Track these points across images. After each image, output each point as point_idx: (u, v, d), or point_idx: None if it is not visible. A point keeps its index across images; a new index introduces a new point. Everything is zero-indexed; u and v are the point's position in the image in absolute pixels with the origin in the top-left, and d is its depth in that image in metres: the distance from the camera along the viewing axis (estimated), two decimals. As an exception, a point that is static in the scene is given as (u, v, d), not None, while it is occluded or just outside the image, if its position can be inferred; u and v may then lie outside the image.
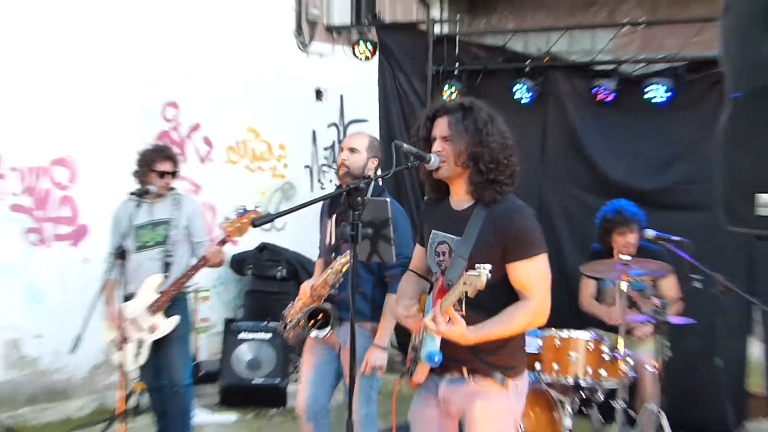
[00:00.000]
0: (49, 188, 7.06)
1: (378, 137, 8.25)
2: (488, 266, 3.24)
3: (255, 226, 3.70)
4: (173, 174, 5.98)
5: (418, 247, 4.00)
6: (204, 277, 8.30)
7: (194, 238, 5.99)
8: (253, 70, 8.87)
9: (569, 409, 5.75)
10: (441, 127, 3.65)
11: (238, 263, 8.76)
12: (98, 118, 7.20)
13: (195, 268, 5.84)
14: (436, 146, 3.63)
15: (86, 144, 7.17)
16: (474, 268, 3.26)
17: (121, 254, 5.26)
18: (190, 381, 6.09)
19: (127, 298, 5.84)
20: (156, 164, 5.90)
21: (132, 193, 5.86)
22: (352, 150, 4.97)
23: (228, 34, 8.64)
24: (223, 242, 5.76)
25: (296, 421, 7.15)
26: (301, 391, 5.16)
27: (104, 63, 7.25)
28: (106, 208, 6.19)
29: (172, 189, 6.06)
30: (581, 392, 5.81)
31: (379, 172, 5.07)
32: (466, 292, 3.30)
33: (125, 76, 7.41)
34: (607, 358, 5.63)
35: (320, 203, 5.26)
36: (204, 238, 6.06)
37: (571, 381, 5.66)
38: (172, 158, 5.99)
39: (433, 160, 3.60)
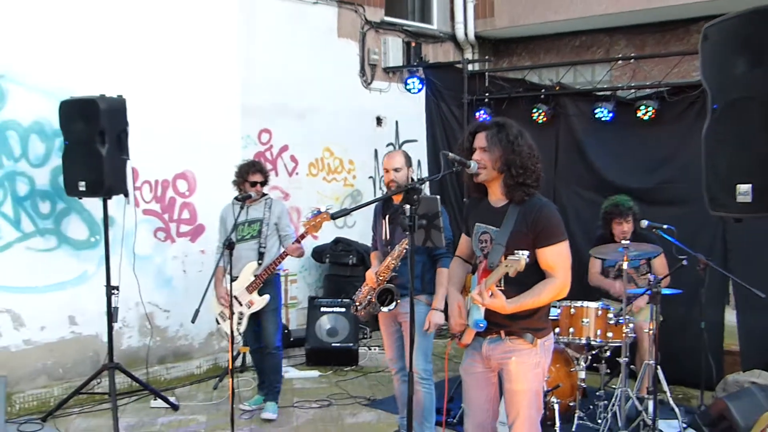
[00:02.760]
0: (174, 197, 7.12)
1: (426, 152, 8.35)
2: (526, 252, 3.31)
3: (334, 218, 3.72)
4: (262, 183, 6.02)
5: (463, 236, 3.99)
6: (292, 265, 8.36)
7: (281, 231, 6.07)
8: (328, 103, 8.89)
9: (583, 364, 5.68)
10: (480, 140, 3.66)
11: (318, 253, 8.78)
12: (210, 142, 7.24)
13: (280, 258, 5.90)
14: (476, 155, 3.65)
15: (202, 162, 7.22)
16: (513, 253, 3.32)
17: (229, 245, 5.29)
18: (281, 344, 6.13)
19: (232, 280, 5.88)
20: (249, 176, 5.98)
21: (236, 198, 5.93)
22: (396, 170, 5.04)
23: (309, 76, 8.67)
24: (302, 237, 5.81)
25: (366, 376, 7.25)
26: (387, 354, 5.33)
27: (214, 98, 7.29)
28: (217, 211, 6.24)
29: (264, 195, 6.10)
30: (592, 350, 5.75)
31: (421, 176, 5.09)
32: (508, 273, 3.35)
33: (231, 109, 7.45)
34: (612, 322, 5.55)
35: (376, 206, 5.33)
36: (289, 231, 6.12)
37: (584, 341, 5.60)
38: (261, 171, 6.03)
39: (473, 165, 3.62)
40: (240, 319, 5.94)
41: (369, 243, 5.60)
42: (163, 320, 7.05)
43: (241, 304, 5.93)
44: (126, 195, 6.02)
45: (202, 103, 7.17)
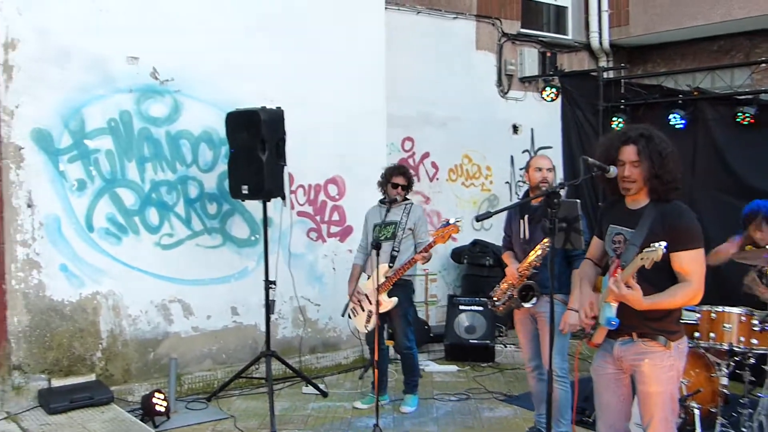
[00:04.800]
0: (325, 200, 7.20)
1: (561, 158, 8.05)
2: (664, 243, 3.12)
3: (478, 220, 3.62)
4: (404, 186, 5.90)
5: (595, 239, 3.79)
6: (432, 265, 8.26)
7: (417, 239, 5.85)
8: (467, 112, 8.81)
9: (725, 370, 5.24)
10: (629, 153, 3.44)
11: (457, 254, 8.68)
12: (358, 149, 7.26)
13: (408, 264, 5.69)
14: (627, 170, 3.44)
15: (350, 168, 7.24)
16: (649, 246, 3.14)
17: (376, 245, 5.25)
18: (411, 344, 5.96)
19: (368, 278, 5.87)
20: (392, 178, 5.90)
21: (380, 201, 5.91)
22: (549, 170, 4.93)
23: (449, 86, 8.62)
24: (430, 246, 5.62)
25: (502, 372, 7.07)
26: (524, 351, 5.15)
27: (362, 108, 7.29)
28: (364, 214, 6.22)
29: (406, 199, 5.98)
30: (735, 357, 5.29)
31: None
32: (643, 266, 3.16)
33: (376, 118, 7.43)
34: (757, 329, 5.08)
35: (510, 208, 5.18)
36: (425, 239, 5.87)
37: (725, 347, 5.15)
38: (404, 174, 5.93)
39: (612, 170, 3.44)
40: (369, 317, 5.81)
41: (507, 245, 5.43)
42: (314, 313, 7.14)
43: (370, 303, 5.82)
44: (283, 198, 6.13)
45: (351, 114, 7.20)
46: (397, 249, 5.81)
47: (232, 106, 6.14)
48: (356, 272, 6.01)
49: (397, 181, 5.90)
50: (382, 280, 5.71)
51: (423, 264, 5.76)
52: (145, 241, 6.19)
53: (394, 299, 5.77)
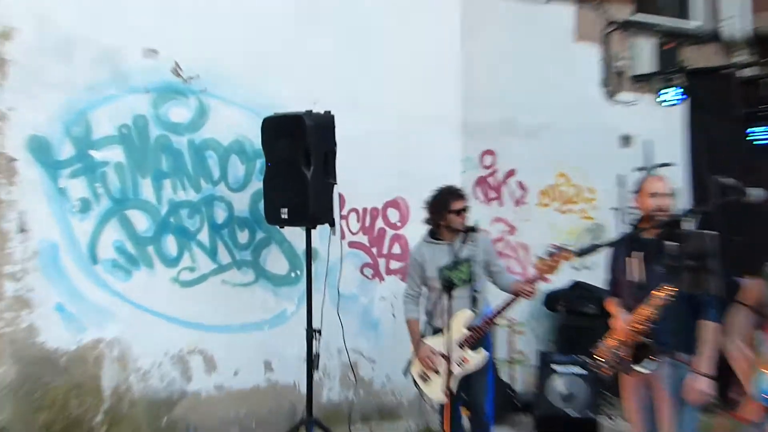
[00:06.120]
0: (383, 228, 7.18)
1: (688, 178, 7.89)
2: None
3: (580, 255, 3.54)
4: (466, 210, 5.83)
5: (754, 280, 3.61)
6: (518, 313, 8.14)
7: (493, 267, 5.81)
8: (563, 119, 8.67)
9: None
10: None
11: (551, 300, 8.52)
12: (426, 165, 7.19)
13: (507, 305, 5.63)
14: None
15: (416, 188, 7.15)
16: None
17: (449, 286, 5.16)
18: (491, 411, 5.85)
19: (435, 332, 5.74)
20: (452, 203, 5.78)
21: (432, 235, 5.85)
22: (667, 195, 4.77)
23: (541, 87, 8.51)
24: (534, 279, 5.57)
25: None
26: (633, 427, 5.01)
27: (431, 114, 7.29)
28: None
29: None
30: None
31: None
32: None
33: (449, 126, 7.41)
34: None
35: (616, 241, 5.04)
36: (501, 265, 5.88)
37: None
38: (463, 197, 5.87)
39: (754, 193, 3.31)
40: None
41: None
42: (368, 371, 7.10)
43: (451, 363, 5.68)
44: (332, 225, 6.08)
45: (417, 120, 7.19)
46: (477, 290, 5.70)
47: (270, 110, 6.18)
48: (416, 328, 5.89)
49: (459, 206, 5.79)
50: (463, 331, 5.60)
51: (529, 299, 5.71)
52: (161, 277, 6.26)
53: (484, 352, 5.68)
